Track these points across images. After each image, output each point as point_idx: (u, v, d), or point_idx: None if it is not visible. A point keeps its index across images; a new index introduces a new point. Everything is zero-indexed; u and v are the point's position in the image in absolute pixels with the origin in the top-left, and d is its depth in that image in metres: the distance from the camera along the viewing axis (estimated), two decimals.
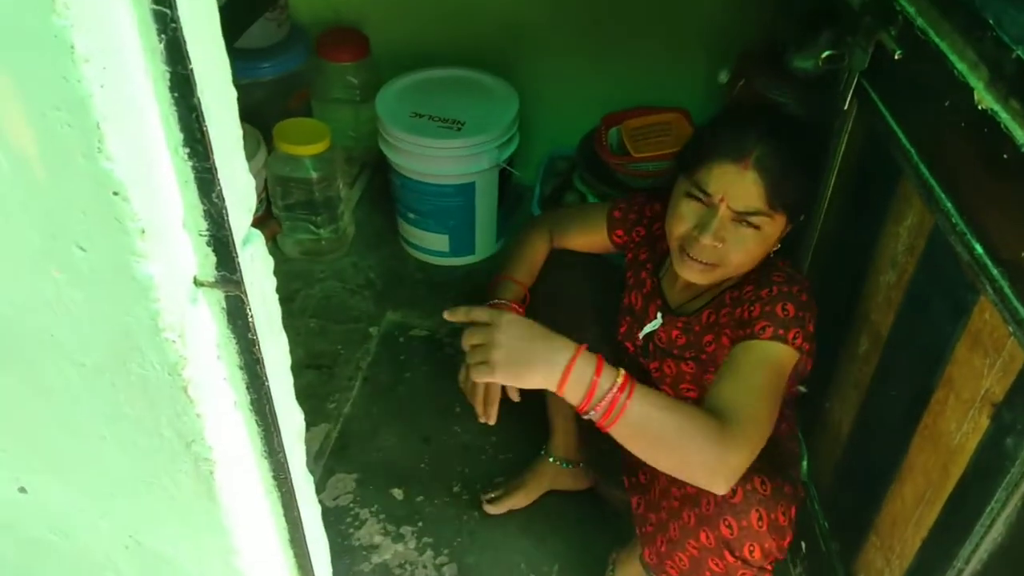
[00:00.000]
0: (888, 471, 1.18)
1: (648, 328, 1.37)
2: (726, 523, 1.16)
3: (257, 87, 2.27)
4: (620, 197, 1.52)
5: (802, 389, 1.36)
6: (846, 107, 1.30)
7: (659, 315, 1.37)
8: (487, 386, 1.34)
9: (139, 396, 0.78)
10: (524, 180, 2.39)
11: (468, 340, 1.14)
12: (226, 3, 0.91)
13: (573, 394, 1.08)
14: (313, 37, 2.33)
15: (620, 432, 1.08)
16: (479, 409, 1.35)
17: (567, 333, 1.46)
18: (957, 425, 1.00)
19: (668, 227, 1.25)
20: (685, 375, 1.34)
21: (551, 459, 1.70)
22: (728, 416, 1.09)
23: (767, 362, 1.15)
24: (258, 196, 2.14)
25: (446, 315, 1.19)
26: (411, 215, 2.20)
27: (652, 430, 1.07)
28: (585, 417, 1.09)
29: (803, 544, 1.49)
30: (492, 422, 1.35)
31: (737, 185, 1.15)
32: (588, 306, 1.48)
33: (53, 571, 1.07)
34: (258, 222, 0.78)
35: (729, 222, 1.18)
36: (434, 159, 2.04)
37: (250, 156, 2.09)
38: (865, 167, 1.32)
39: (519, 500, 1.71)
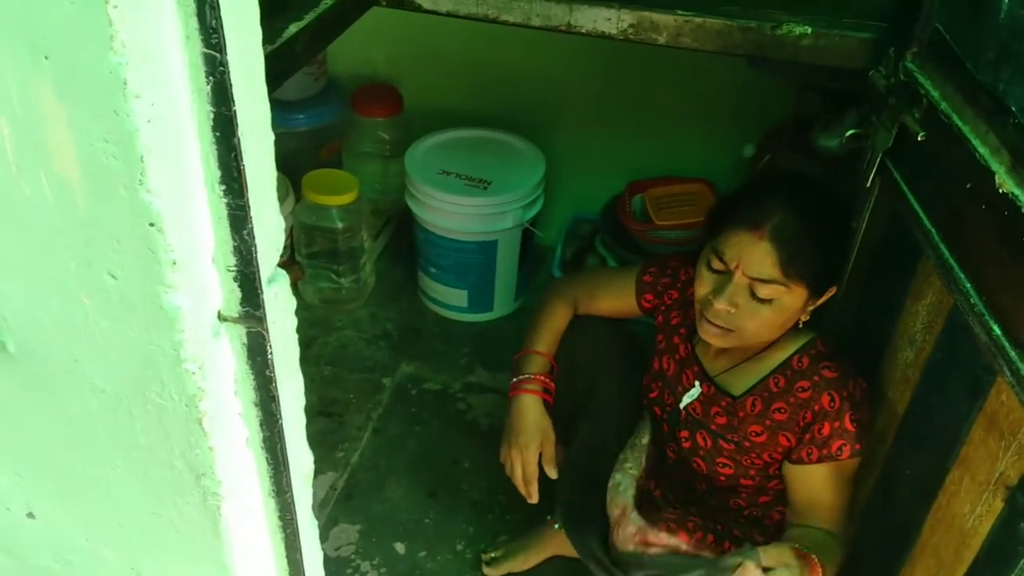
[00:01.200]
0: (901, 551, 1.16)
1: (687, 398, 1.37)
2: None
3: (291, 137, 2.33)
4: (649, 260, 1.50)
5: None
6: (868, 185, 1.32)
7: (697, 383, 1.36)
8: (524, 463, 1.42)
9: (155, 426, 0.79)
10: (546, 241, 2.42)
11: None
12: (269, 53, 0.95)
13: None
14: (348, 92, 2.40)
15: None
16: (521, 490, 1.44)
17: (582, 399, 1.46)
18: (971, 507, 0.99)
19: (694, 289, 1.28)
20: (723, 451, 1.34)
21: (557, 526, 1.68)
22: (834, 528, 1.28)
23: (849, 477, 1.28)
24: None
25: None
26: (432, 269, 2.23)
27: None
28: None
29: None
30: (534, 500, 1.44)
31: (751, 253, 1.18)
32: (603, 372, 1.48)
33: None
34: (281, 267, 0.80)
35: (744, 288, 1.20)
36: (458, 215, 2.08)
37: (279, 202, 2.15)
38: (886, 245, 1.32)
39: (518, 564, 1.68)
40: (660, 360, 1.45)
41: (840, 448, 1.24)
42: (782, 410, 1.28)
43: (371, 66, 2.43)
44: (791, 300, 1.20)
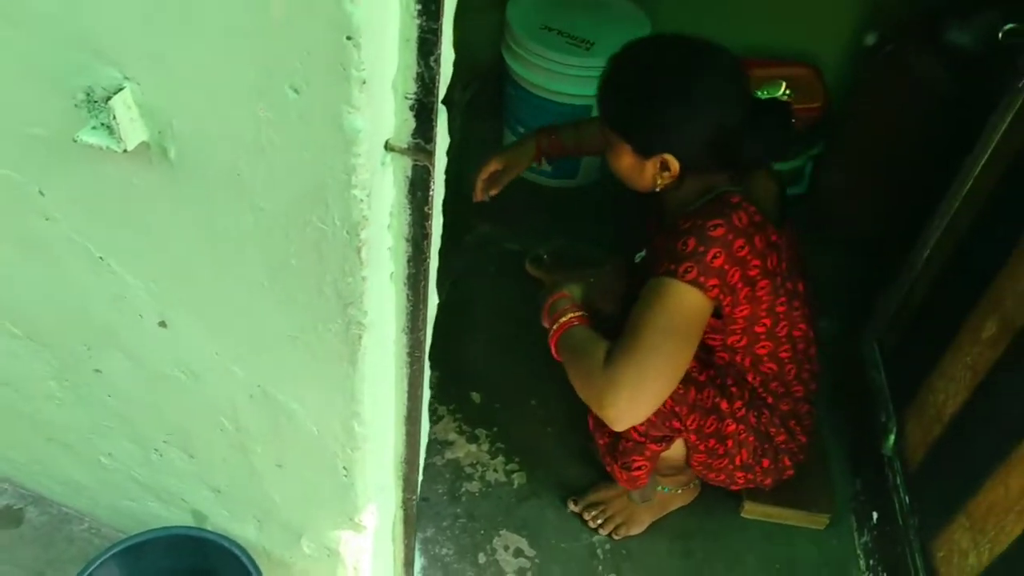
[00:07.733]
0: (994, 458, 1.16)
1: (638, 256, 1.41)
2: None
3: None
4: None
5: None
6: (1022, 85, 1.24)
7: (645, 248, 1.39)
8: (485, 166, 1.57)
9: (310, 250, 0.79)
10: None
11: None
12: None
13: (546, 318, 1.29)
14: None
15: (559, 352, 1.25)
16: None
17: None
18: None
19: None
20: None
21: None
22: (612, 357, 1.15)
23: (658, 299, 1.14)
24: None
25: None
26: (521, 128, 2.18)
27: (567, 361, 1.23)
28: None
29: (875, 514, 1.48)
30: (477, 198, 1.58)
31: None
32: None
33: (172, 409, 1.10)
34: None
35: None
36: (557, 75, 2.01)
37: None
38: None
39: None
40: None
41: (658, 264, 1.16)
42: (671, 236, 1.18)
43: None
44: (618, 149, 1.22)
